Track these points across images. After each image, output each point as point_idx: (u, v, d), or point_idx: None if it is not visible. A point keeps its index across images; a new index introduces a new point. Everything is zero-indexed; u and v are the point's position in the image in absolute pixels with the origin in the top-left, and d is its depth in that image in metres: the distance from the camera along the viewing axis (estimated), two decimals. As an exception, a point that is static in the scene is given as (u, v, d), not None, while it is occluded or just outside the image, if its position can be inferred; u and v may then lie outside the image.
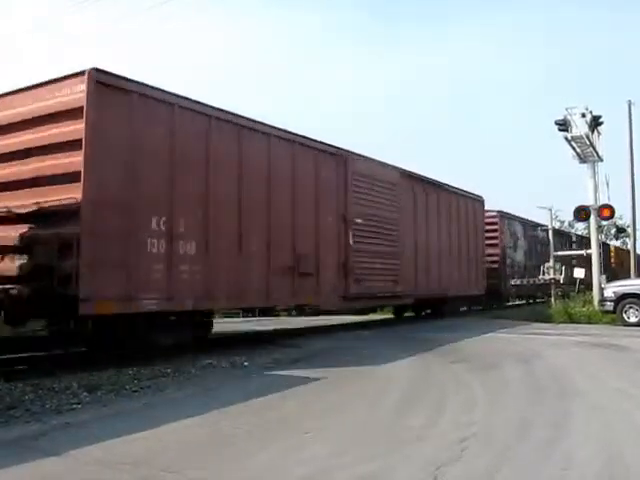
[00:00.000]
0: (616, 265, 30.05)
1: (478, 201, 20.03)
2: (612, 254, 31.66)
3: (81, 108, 7.73)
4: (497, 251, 22.66)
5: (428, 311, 18.63)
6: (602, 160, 18.61)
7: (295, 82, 72.69)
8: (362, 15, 74.07)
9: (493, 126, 75.15)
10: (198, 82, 61.71)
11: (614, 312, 15.69)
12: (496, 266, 22.34)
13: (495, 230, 22.56)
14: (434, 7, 72.68)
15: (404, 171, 15.30)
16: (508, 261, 23.69)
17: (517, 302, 26.61)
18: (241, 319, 18.36)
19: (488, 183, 65.65)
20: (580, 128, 17.33)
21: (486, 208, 21.00)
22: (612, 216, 19.12)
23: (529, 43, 74.70)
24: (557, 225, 28.51)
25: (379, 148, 56.84)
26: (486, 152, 75.15)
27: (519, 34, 75.63)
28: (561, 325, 15.73)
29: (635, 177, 22.48)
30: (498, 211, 23.08)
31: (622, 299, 15.57)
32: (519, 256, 24.98)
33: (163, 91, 8.85)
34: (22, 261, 7.34)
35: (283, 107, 65.18)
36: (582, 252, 20.62)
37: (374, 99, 73.87)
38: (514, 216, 24.86)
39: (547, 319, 17.09)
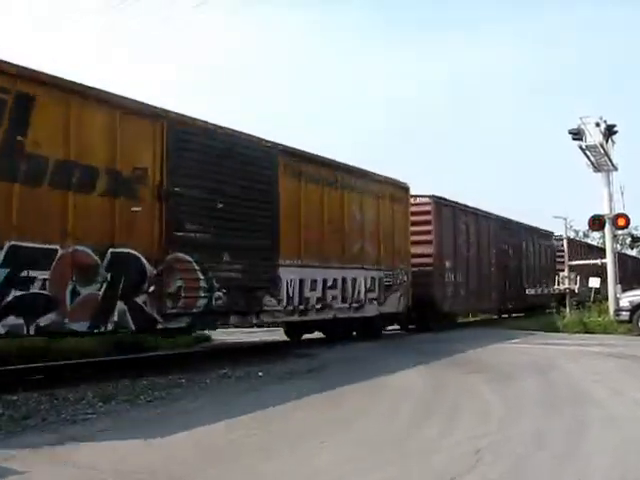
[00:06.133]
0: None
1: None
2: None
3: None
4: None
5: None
6: (617, 169, 18.52)
7: (295, 82, 72.01)
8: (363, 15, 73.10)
9: (494, 128, 73.58)
10: (197, 82, 62.12)
11: (630, 322, 15.56)
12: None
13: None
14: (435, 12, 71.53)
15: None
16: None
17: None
18: (248, 328, 16.95)
19: (491, 191, 64.22)
20: (594, 137, 17.26)
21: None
22: (627, 225, 18.99)
23: (534, 46, 73.61)
24: (572, 234, 27.63)
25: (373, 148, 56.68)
26: (489, 156, 74.18)
27: (520, 39, 74.84)
28: (576, 335, 15.59)
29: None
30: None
31: (638, 308, 15.44)
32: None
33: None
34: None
35: (281, 107, 65.02)
36: (597, 261, 20.45)
37: (373, 100, 72.92)
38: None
39: (559, 329, 16.92)
